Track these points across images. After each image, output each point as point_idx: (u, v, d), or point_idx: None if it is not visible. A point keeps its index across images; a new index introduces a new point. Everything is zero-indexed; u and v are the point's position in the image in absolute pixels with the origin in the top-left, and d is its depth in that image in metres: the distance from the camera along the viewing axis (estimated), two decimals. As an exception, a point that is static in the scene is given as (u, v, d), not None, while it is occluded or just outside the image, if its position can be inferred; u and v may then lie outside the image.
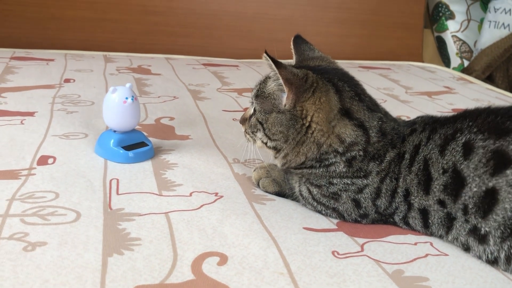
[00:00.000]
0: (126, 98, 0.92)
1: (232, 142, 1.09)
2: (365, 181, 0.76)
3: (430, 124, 0.78)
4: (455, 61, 2.47)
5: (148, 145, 0.97)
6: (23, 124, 1.09)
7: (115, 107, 0.93)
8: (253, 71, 1.88)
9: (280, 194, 0.86)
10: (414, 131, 0.78)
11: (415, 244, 0.73)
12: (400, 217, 0.76)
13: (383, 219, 0.78)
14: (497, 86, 2.16)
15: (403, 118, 1.37)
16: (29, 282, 0.58)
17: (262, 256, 0.66)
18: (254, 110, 0.82)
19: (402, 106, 1.52)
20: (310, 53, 0.91)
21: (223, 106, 1.37)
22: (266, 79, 0.81)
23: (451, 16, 2.50)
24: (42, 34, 2.04)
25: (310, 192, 0.80)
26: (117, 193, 0.81)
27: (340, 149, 0.77)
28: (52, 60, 1.77)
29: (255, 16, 2.26)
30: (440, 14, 2.52)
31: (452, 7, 2.50)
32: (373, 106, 0.81)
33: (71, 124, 1.11)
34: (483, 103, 1.65)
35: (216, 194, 0.84)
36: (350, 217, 0.78)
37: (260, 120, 0.80)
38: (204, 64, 1.95)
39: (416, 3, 2.42)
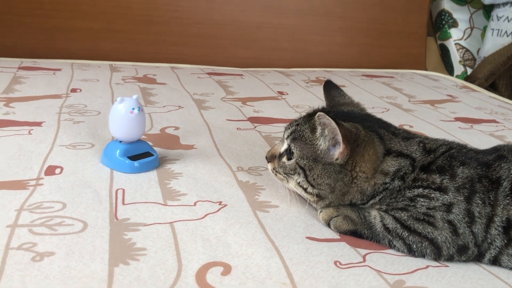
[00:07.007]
0: (133, 108, 0.94)
1: (236, 151, 1.10)
2: (445, 196, 0.72)
3: None
4: (458, 69, 2.48)
5: (153, 155, 0.98)
6: (30, 134, 1.11)
7: (122, 118, 0.94)
8: (257, 80, 1.89)
9: (356, 233, 0.77)
10: (502, 158, 0.75)
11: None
12: (491, 256, 0.72)
13: (479, 256, 0.72)
14: (500, 94, 2.16)
15: (406, 127, 1.39)
16: (37, 292, 0.59)
17: (265, 265, 0.67)
18: (290, 152, 0.81)
19: (405, 115, 1.53)
20: (340, 99, 0.91)
21: (227, 115, 1.38)
22: (305, 123, 0.80)
23: (454, 24, 2.51)
24: (49, 44, 2.07)
25: (397, 220, 0.74)
26: (123, 203, 0.83)
27: (388, 179, 0.76)
28: (59, 69, 1.79)
29: (259, 25, 2.28)
30: (443, 22, 2.53)
31: (455, 15, 2.51)
32: (408, 135, 0.82)
33: (78, 134, 1.13)
34: (486, 112, 1.66)
35: (220, 203, 0.85)
36: (448, 250, 0.71)
37: (301, 165, 0.79)
38: (208, 73, 1.96)
39: (419, 11, 2.43)
